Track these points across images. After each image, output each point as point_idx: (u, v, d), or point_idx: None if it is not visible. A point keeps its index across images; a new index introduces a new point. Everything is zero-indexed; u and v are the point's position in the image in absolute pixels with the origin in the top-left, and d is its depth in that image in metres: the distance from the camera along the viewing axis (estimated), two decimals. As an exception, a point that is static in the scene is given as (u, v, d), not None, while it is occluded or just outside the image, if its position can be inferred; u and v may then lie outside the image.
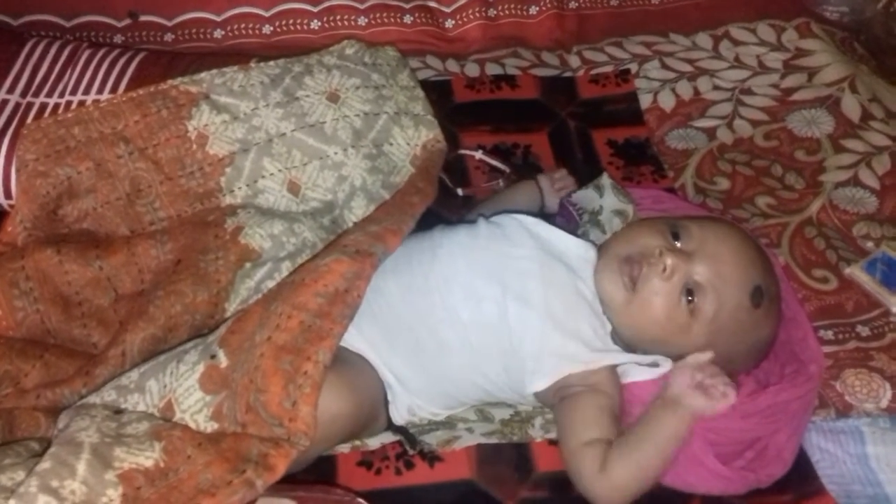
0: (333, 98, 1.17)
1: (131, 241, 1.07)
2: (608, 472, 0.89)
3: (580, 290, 0.98)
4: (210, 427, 0.88)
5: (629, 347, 0.99)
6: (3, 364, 0.96)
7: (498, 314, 0.96)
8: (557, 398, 0.95)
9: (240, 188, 1.12)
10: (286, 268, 1.05)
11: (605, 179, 1.12)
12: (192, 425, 0.88)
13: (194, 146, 1.12)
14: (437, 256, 0.99)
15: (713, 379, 0.91)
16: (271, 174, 1.13)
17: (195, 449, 0.82)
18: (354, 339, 0.96)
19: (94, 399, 0.91)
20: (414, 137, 1.19)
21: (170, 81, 1.14)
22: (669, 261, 0.94)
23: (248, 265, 1.05)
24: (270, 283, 1.04)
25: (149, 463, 0.79)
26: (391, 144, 1.18)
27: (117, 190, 1.10)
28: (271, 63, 1.21)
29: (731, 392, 0.90)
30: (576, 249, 1.01)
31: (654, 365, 0.96)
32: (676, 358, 0.95)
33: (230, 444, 0.84)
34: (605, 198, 1.09)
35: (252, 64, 1.20)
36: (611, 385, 0.95)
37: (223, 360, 0.90)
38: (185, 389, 0.89)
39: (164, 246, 1.07)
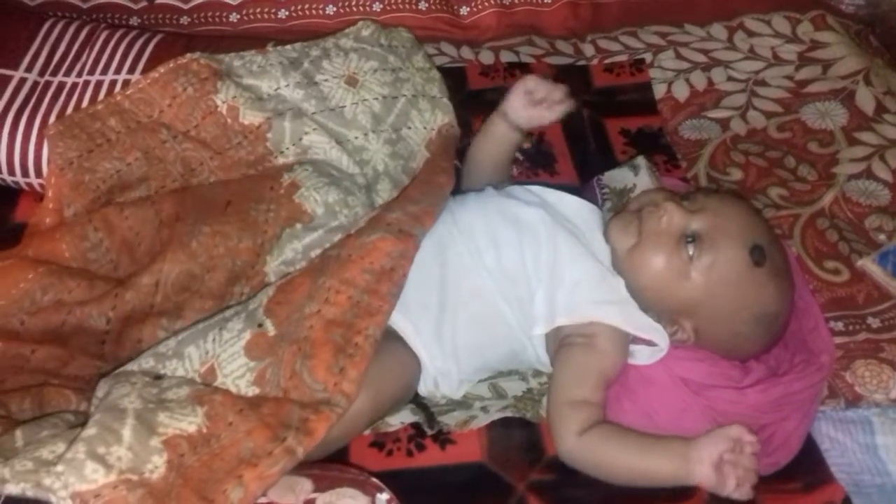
0: (352, 82, 1.17)
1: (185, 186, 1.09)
2: (584, 441, 0.91)
3: (589, 246, 1.01)
4: (251, 391, 0.88)
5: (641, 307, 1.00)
6: (53, 278, 0.99)
7: (518, 259, 0.99)
8: (556, 345, 0.98)
9: (288, 148, 1.12)
10: (329, 239, 1.04)
11: (642, 160, 1.14)
12: (234, 390, 0.88)
13: (228, 119, 1.12)
14: (456, 214, 1.03)
15: (738, 464, 0.88)
16: (314, 129, 1.13)
17: (236, 415, 0.83)
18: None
19: (132, 367, 0.91)
20: (431, 121, 1.19)
21: (188, 55, 1.15)
22: (669, 206, 0.97)
23: (298, 226, 1.04)
24: (314, 253, 1.03)
25: (192, 428, 0.80)
26: (409, 128, 1.18)
27: (171, 173, 1.11)
28: (288, 47, 1.21)
29: (747, 488, 0.87)
30: (581, 210, 1.05)
31: (653, 345, 0.97)
32: (676, 320, 0.97)
33: (271, 409, 0.84)
34: (639, 177, 1.11)
35: (269, 48, 1.21)
36: (611, 345, 0.96)
37: (271, 329, 0.91)
38: (230, 355, 0.90)
39: (215, 188, 1.08)
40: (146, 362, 0.91)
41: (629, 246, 0.99)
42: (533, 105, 1.11)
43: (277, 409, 0.84)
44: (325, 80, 1.17)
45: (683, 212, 0.98)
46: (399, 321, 0.97)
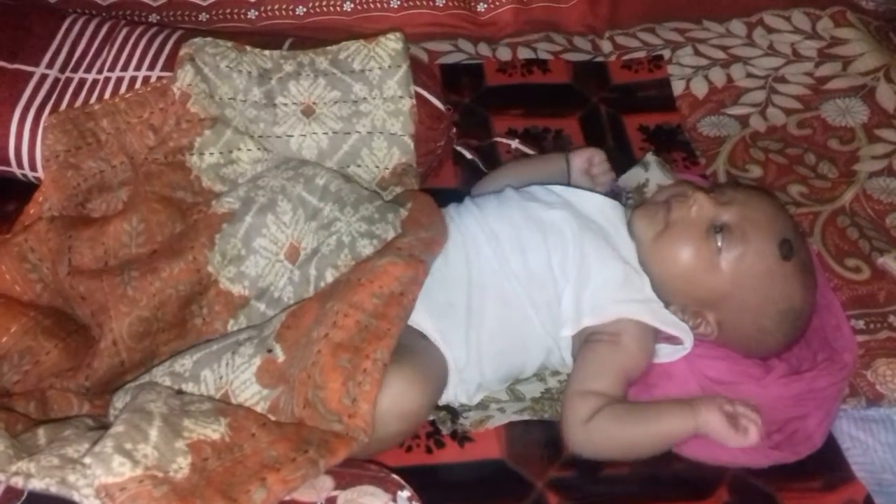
0: (308, 112, 1.15)
1: (104, 220, 1.05)
2: (590, 426, 0.92)
3: (614, 245, 1.01)
4: None
5: (665, 303, 1.00)
6: (27, 339, 0.98)
7: (545, 263, 0.99)
8: (581, 342, 0.98)
9: (211, 153, 1.10)
10: (271, 221, 1.02)
11: (651, 157, 1.14)
12: None
13: (177, 104, 1.11)
14: (479, 217, 1.03)
15: (744, 412, 0.92)
16: (248, 150, 1.11)
17: (259, 428, 0.83)
18: (415, 314, 0.95)
19: (147, 381, 0.91)
20: (385, 160, 1.16)
21: (183, 49, 1.15)
22: (700, 195, 0.98)
23: (225, 226, 1.02)
24: (262, 241, 1.01)
25: (216, 436, 0.80)
26: (358, 166, 1.16)
27: (152, 183, 1.09)
28: (266, 53, 1.18)
29: (754, 432, 0.90)
30: (604, 207, 1.05)
31: (678, 344, 0.98)
32: (700, 312, 0.97)
33: (292, 429, 0.84)
34: (650, 171, 1.12)
35: (248, 48, 1.18)
36: (636, 344, 0.96)
37: (280, 355, 0.90)
38: (242, 382, 0.90)
39: (139, 237, 1.04)
40: (162, 381, 0.91)
41: (655, 233, 0.99)
42: (585, 172, 1.16)
43: (299, 429, 0.85)
44: (284, 105, 1.15)
45: (713, 202, 0.98)
46: (426, 325, 0.96)
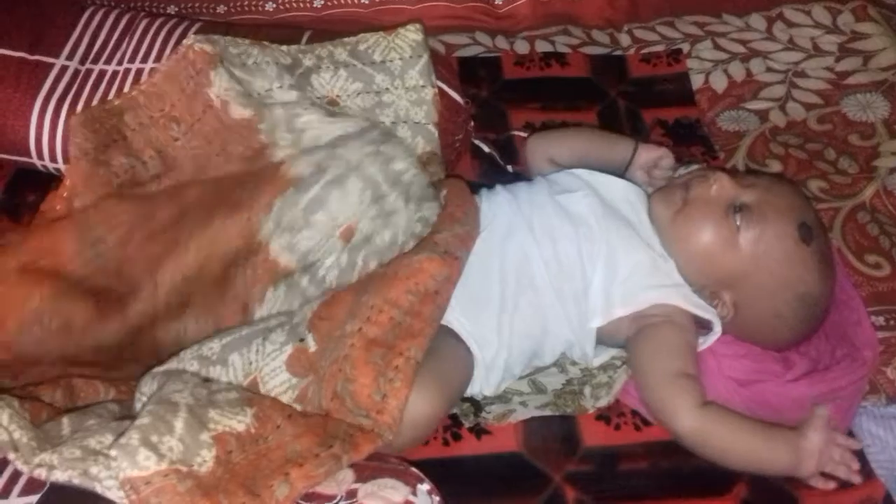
0: (332, 104, 1.14)
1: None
2: (705, 414, 0.90)
3: (639, 232, 1.01)
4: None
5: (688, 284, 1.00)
6: (59, 302, 0.98)
7: (575, 253, 0.99)
8: (633, 329, 0.97)
9: (284, 136, 1.09)
10: (336, 198, 1.01)
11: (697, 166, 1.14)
12: None
13: (222, 114, 1.10)
14: (513, 204, 1.03)
15: (842, 457, 0.90)
16: (306, 109, 1.10)
17: (285, 420, 0.83)
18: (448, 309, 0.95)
19: (176, 365, 0.92)
20: (409, 149, 1.15)
21: (185, 41, 1.13)
22: (720, 175, 0.98)
23: (290, 190, 1.02)
24: (321, 216, 1.01)
25: (241, 427, 0.80)
26: None
27: (185, 173, 1.10)
28: (284, 49, 1.16)
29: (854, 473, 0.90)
30: (627, 193, 1.05)
31: (708, 331, 0.98)
32: (717, 293, 0.97)
33: (318, 421, 0.85)
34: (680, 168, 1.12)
35: (264, 43, 1.16)
36: (687, 321, 0.96)
37: (312, 345, 0.90)
38: (272, 370, 0.90)
39: (206, 188, 1.06)
40: (190, 364, 0.91)
41: (673, 212, 1.00)
42: (647, 170, 1.13)
43: (325, 421, 0.85)
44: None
45: (734, 183, 0.98)
46: (458, 323, 0.96)
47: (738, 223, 0.96)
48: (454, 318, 0.96)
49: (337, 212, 1.01)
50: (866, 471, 0.94)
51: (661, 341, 0.95)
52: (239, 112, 1.08)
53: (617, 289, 0.97)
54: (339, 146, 1.06)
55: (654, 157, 1.13)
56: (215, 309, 1.00)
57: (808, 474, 0.90)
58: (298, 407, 0.88)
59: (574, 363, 1.04)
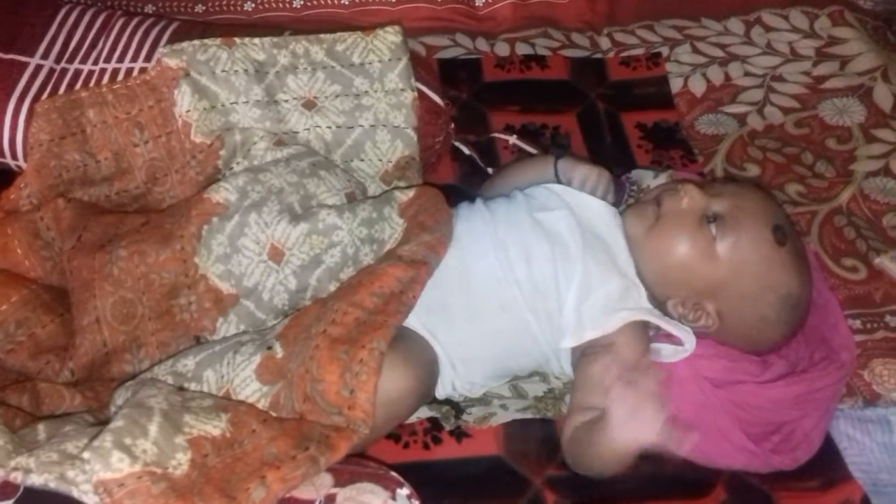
0: (309, 105, 1.14)
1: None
2: (568, 441, 0.93)
3: (613, 257, 1.00)
4: None
5: (660, 306, 1.00)
6: (26, 310, 0.99)
7: (551, 273, 0.98)
8: (577, 355, 0.97)
9: (238, 163, 1.10)
10: (254, 220, 0.99)
11: (670, 174, 1.15)
12: None
13: (182, 136, 1.10)
14: (490, 222, 1.02)
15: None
16: (261, 136, 1.10)
17: (260, 424, 0.83)
18: None
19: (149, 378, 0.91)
20: (388, 153, 1.15)
21: (160, 50, 1.12)
22: (689, 187, 0.99)
23: (214, 219, 0.99)
24: (245, 240, 0.99)
25: (216, 432, 0.80)
26: (362, 160, 1.15)
27: (136, 179, 1.10)
28: (256, 42, 1.14)
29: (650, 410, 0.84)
30: (603, 213, 1.04)
31: (679, 345, 0.97)
32: (700, 304, 0.97)
33: (293, 425, 0.84)
34: (657, 179, 1.12)
35: (237, 40, 1.14)
36: (629, 350, 0.94)
37: (279, 351, 0.90)
38: (242, 380, 0.89)
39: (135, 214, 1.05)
40: (165, 380, 0.91)
41: (647, 227, 1.00)
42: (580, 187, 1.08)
43: (299, 424, 0.85)
44: (285, 101, 1.13)
45: (703, 193, 0.99)
46: (411, 321, 0.95)
47: (713, 233, 0.96)
48: (415, 319, 0.96)
49: (258, 234, 0.99)
50: (844, 473, 0.95)
51: (586, 376, 0.94)
52: (200, 138, 1.09)
53: (587, 311, 0.96)
54: (265, 171, 1.06)
55: (579, 179, 1.07)
56: (168, 346, 0.98)
57: (651, 432, 0.84)
58: (273, 414, 0.88)
59: (557, 377, 1.04)
